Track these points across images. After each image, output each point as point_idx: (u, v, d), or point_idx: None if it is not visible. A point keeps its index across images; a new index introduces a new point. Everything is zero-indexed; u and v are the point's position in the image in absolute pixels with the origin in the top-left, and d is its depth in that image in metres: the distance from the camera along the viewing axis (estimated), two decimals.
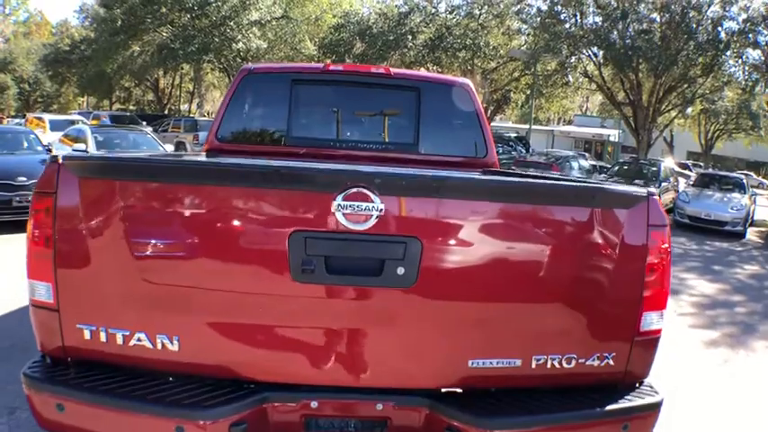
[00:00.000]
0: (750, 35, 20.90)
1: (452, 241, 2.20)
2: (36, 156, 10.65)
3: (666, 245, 2.35)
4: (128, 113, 34.34)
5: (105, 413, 2.16)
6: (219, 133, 4.44)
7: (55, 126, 18.39)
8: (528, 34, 30.01)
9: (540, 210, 2.28)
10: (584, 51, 24.76)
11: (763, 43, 20.69)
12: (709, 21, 21.15)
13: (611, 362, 2.34)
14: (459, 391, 2.34)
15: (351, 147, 4.47)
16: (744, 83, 22.82)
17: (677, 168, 29.65)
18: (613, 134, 47.95)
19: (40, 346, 2.31)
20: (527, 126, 36.73)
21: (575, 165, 20.17)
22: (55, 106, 50.64)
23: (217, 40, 27.83)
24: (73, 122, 18.23)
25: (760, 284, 10.37)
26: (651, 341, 2.40)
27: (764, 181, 43.96)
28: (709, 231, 15.48)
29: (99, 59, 32.49)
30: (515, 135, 32.22)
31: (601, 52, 23.77)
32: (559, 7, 24.53)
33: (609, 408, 2.30)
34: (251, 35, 28.09)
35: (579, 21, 24.30)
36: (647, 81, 24.42)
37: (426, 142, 4.49)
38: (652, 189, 2.42)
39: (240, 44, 27.75)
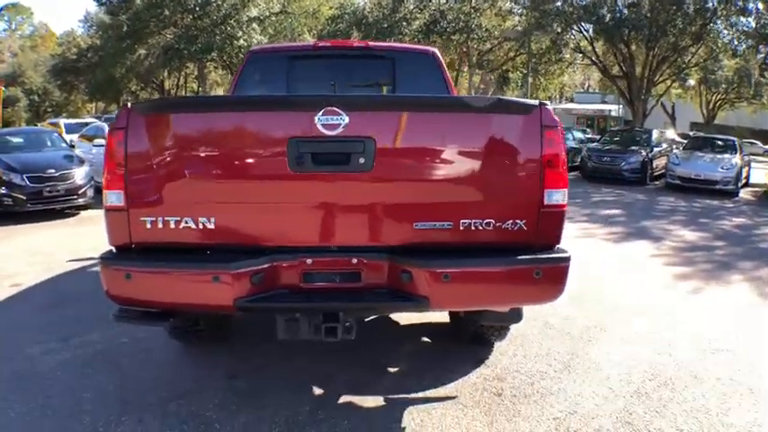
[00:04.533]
0: (739, 2, 21.26)
1: (396, 140, 3.09)
2: (60, 151, 11.46)
3: (560, 143, 3.16)
4: None
5: (161, 276, 3.03)
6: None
7: (70, 129, 19.66)
8: (520, 14, 30.51)
9: (460, 116, 3.18)
10: (575, 27, 25.22)
11: (753, 9, 21.05)
12: None
13: (524, 227, 3.13)
14: (409, 246, 3.13)
15: None
16: (738, 50, 23.14)
17: (678, 138, 29.91)
18: (614, 109, 48.33)
19: (111, 241, 3.13)
20: None
21: (569, 136, 22.01)
22: (64, 114, 50.31)
23: (219, 38, 28.69)
24: (87, 124, 19.07)
25: (745, 233, 10.76)
26: (556, 213, 3.16)
27: None
28: (701, 191, 15.83)
29: (107, 65, 33.53)
30: None
31: (591, 27, 24.23)
32: None
33: (522, 257, 3.11)
34: (251, 31, 28.87)
35: None
36: (639, 53, 24.90)
37: None
38: (545, 101, 3.29)
39: (242, 41, 28.51)
